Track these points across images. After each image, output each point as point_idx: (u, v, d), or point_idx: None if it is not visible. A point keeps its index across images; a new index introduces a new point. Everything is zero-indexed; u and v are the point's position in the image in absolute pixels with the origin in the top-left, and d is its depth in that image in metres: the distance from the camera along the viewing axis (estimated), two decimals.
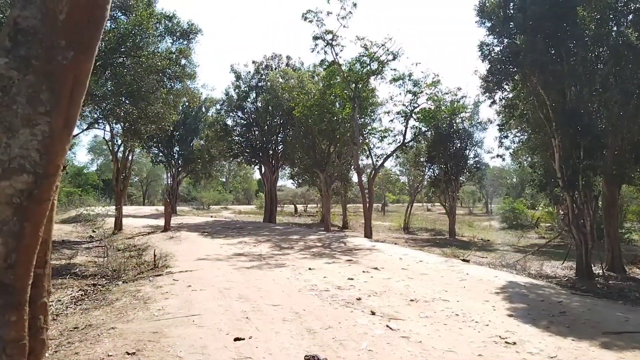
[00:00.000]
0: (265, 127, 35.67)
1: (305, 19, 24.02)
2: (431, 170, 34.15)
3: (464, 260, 14.96)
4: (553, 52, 14.32)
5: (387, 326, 6.68)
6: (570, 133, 14.01)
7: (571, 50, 14.36)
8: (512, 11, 14.90)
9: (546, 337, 6.46)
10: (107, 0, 2.12)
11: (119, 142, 23.67)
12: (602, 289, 12.14)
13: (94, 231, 21.66)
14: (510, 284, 10.52)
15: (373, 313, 7.41)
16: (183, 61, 20.37)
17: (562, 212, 15.52)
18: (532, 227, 35.62)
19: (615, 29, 15.23)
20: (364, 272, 11.33)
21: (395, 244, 21.06)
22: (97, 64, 16.40)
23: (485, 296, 9.08)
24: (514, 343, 6.09)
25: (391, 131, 30.62)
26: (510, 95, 17.26)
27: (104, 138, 27.70)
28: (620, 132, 15.26)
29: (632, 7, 15.10)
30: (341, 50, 24.97)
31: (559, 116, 14.19)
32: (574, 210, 14.15)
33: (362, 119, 28.54)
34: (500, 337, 6.34)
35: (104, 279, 10.71)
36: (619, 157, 15.45)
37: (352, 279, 10.32)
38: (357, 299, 8.36)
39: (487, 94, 17.09)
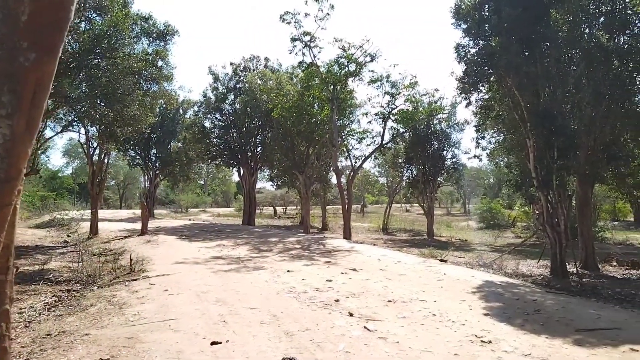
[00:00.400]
0: (244, 129, 35.51)
1: (283, 20, 24.03)
2: (409, 171, 34.40)
3: (441, 260, 15.09)
4: (527, 53, 14.50)
5: (365, 327, 6.70)
6: (544, 133, 14.21)
7: (545, 52, 14.59)
8: (487, 13, 15.06)
9: (521, 335, 6.55)
10: (71, 2, 2.07)
11: (95, 144, 23.30)
12: (576, 287, 12.33)
13: (68, 236, 21.25)
14: (487, 284, 10.63)
15: (351, 314, 7.42)
16: (160, 63, 20.23)
17: (537, 212, 15.75)
18: (509, 227, 36.08)
19: (587, 31, 15.51)
20: (342, 273, 11.35)
21: (374, 245, 21.11)
22: (72, 65, 16.17)
23: (462, 296, 9.17)
24: (490, 342, 6.15)
25: (369, 132, 30.90)
26: (486, 97, 17.43)
27: (79, 141, 27.20)
28: (592, 133, 15.54)
29: (604, 10, 15.42)
30: (319, 52, 25.12)
31: (533, 117, 14.39)
32: (549, 209, 14.36)
33: (341, 121, 28.63)
34: (476, 336, 6.40)
35: (78, 285, 10.52)
36: (592, 157, 15.74)
37: (330, 280, 10.33)
38: (335, 300, 8.37)
39: (464, 95, 17.23)
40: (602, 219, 30.97)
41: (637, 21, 14.99)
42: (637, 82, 15.81)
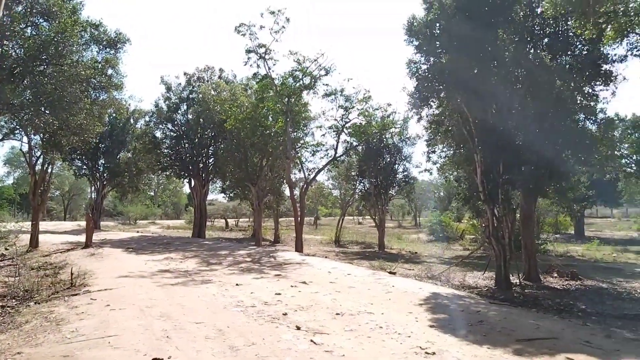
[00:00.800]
0: (196, 140, 35.02)
1: (239, 32, 23.97)
2: (362, 184, 34.72)
3: (390, 272, 15.25)
4: (476, 71, 14.94)
5: (312, 341, 6.66)
6: (491, 149, 14.69)
7: (492, 70, 15.07)
8: (438, 31, 15.43)
9: (464, 346, 6.67)
10: None
11: (38, 153, 22.35)
12: (518, 298, 12.72)
13: (6, 249, 20.21)
14: (434, 295, 10.81)
15: (298, 328, 7.37)
16: (109, 71, 19.74)
17: (483, 225, 16.18)
18: (458, 239, 36.89)
19: (532, 51, 16.14)
20: (292, 286, 11.28)
21: (326, 257, 21.15)
22: (15, 71, 15.57)
23: (410, 308, 9.28)
24: (434, 353, 6.24)
25: (323, 145, 30.92)
26: (437, 112, 17.79)
27: (20, 149, 26.01)
28: (536, 149, 16.12)
29: (547, 31, 16.14)
30: (274, 64, 25.08)
31: (481, 133, 14.85)
32: (494, 222, 14.80)
33: (295, 133, 28.62)
34: (420, 347, 6.48)
35: (14, 300, 9.98)
36: (535, 172, 16.29)
37: (279, 294, 10.25)
38: (283, 314, 8.30)
39: (415, 110, 17.54)
40: (545, 232, 32.15)
41: (577, 43, 15.73)
42: (578, 101, 16.56)
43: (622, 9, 10.64)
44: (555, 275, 17.53)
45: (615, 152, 31.41)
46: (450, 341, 6.92)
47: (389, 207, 42.19)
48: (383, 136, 30.77)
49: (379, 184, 31.73)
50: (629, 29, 11.12)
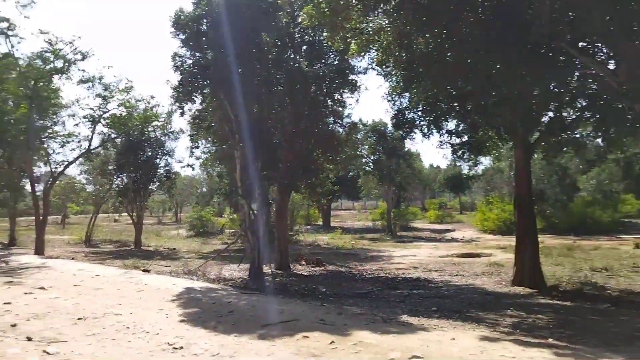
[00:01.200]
0: None
1: None
2: (120, 178, 32.53)
3: (144, 270, 14.75)
4: (240, 70, 15.31)
5: (45, 351, 6.00)
6: (251, 146, 15.26)
7: (256, 71, 15.67)
8: (205, 27, 15.43)
9: (212, 337, 6.78)
10: None
11: None
12: (269, 287, 13.52)
13: None
14: (187, 290, 10.78)
15: (30, 339, 6.57)
16: None
17: (241, 219, 16.76)
18: (218, 234, 37.33)
19: (292, 56, 17.36)
20: (26, 293, 10.03)
21: (73, 259, 19.39)
22: None
23: (161, 305, 9.08)
24: (181, 347, 6.20)
25: (76, 136, 27.87)
26: (200, 107, 17.76)
27: None
28: (292, 148, 17.38)
29: (307, 40, 17.59)
30: (19, 42, 21.69)
31: (242, 130, 15.32)
32: (251, 216, 15.44)
33: (41, 121, 25.27)
34: (168, 343, 6.37)
35: None
36: (290, 169, 17.57)
37: (9, 303, 8.98)
38: (12, 325, 7.31)
39: (178, 105, 17.18)
40: (297, 224, 34.82)
41: (330, 54, 17.52)
42: (329, 106, 18.44)
43: (364, 27, 12.21)
44: (303, 262, 19.13)
45: (358, 153, 36.01)
46: (199, 334, 6.95)
47: (148, 203, 40.55)
48: (145, 129, 29.33)
49: (138, 178, 30.15)
50: (369, 45, 12.81)
